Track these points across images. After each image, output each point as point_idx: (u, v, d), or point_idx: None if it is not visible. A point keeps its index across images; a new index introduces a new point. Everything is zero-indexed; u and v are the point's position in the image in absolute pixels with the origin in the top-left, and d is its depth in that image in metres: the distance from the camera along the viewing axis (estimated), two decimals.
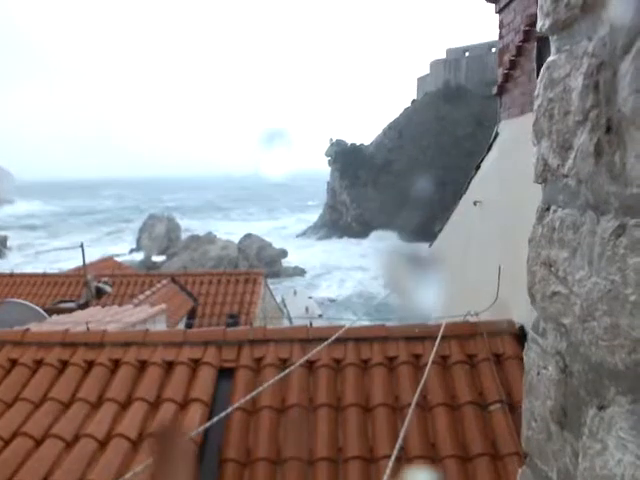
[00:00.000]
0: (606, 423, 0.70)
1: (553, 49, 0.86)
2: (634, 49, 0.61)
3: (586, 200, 0.74)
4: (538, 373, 0.91)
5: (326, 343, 3.91)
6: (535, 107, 0.91)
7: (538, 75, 0.93)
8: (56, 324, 5.95)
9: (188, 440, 3.38)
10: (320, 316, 23.18)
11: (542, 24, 0.87)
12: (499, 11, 5.59)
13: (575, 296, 0.77)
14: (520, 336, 4.23)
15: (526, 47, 4.70)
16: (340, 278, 48.57)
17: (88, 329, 4.95)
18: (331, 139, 72.03)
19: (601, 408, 0.71)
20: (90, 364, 4.33)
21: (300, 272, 49.67)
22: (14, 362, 4.38)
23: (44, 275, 15.18)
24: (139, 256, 53.02)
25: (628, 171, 0.65)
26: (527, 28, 4.48)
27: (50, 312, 8.61)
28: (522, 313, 4.14)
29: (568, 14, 0.77)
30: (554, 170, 0.83)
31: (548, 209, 0.86)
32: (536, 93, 0.91)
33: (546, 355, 0.88)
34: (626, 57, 0.63)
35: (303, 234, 69.47)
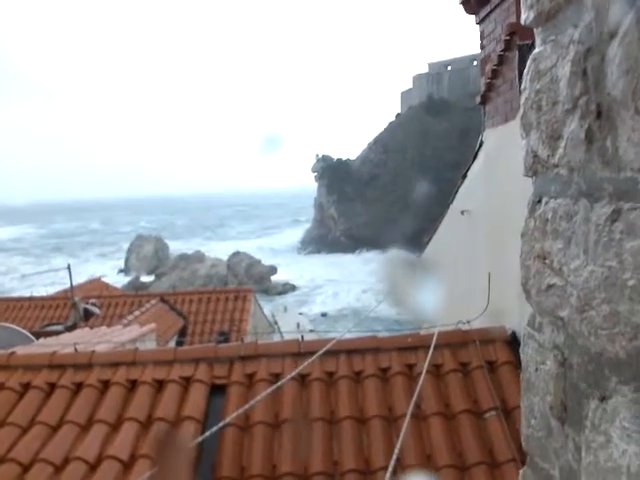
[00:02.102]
0: (609, 414, 0.68)
1: (538, 41, 0.86)
2: (621, 32, 0.61)
3: (579, 188, 0.73)
4: (536, 369, 0.89)
5: (316, 356, 3.86)
6: (522, 101, 0.91)
7: (520, 82, 0.93)
8: (43, 347, 5.83)
9: (188, 447, 3.30)
10: (312, 331, 23.05)
11: (526, 17, 0.87)
12: (480, 22, 5.68)
13: (571, 287, 0.75)
14: (512, 342, 4.23)
15: (507, 56, 4.77)
16: (330, 293, 48.47)
17: (76, 350, 4.86)
18: (317, 155, 72.53)
19: (603, 399, 0.70)
20: (79, 386, 4.23)
21: (290, 288, 49.49)
22: (0, 386, 4.27)
23: (30, 299, 14.94)
24: (128, 277, 52.52)
25: (621, 155, 0.64)
26: (508, 37, 4.56)
27: (37, 335, 8.46)
28: (513, 319, 4.14)
29: (552, 4, 0.77)
30: (544, 161, 0.83)
31: (540, 201, 0.85)
32: (522, 87, 0.91)
33: (544, 350, 0.86)
34: (613, 41, 0.63)
35: (292, 250, 69.38)
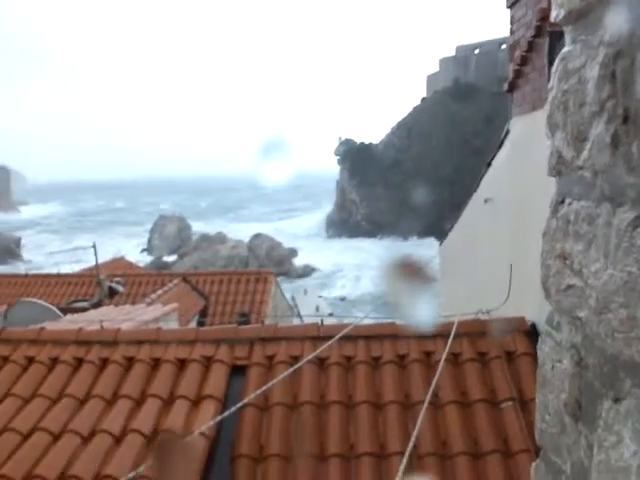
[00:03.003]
0: (622, 415, 0.69)
1: (568, 40, 0.86)
2: None
3: (602, 192, 0.73)
4: (552, 367, 0.90)
5: (333, 340, 3.91)
6: (549, 100, 0.90)
7: (550, 71, 0.92)
8: (71, 323, 6.02)
9: (193, 447, 3.41)
10: (331, 314, 23.19)
11: (556, 14, 0.86)
12: (510, 6, 5.54)
13: (590, 288, 0.76)
14: (532, 334, 4.20)
15: (538, 42, 4.66)
16: (350, 277, 48.54)
17: (102, 327, 5.01)
18: (340, 138, 72.02)
19: (617, 401, 0.71)
20: (105, 361, 4.38)
21: (310, 271, 49.72)
22: (31, 360, 4.44)
23: (58, 275, 15.38)
24: (150, 257, 53.44)
25: None
26: (539, 23, 4.44)
27: (64, 311, 8.71)
28: (534, 311, 4.11)
29: (583, 3, 0.77)
30: (569, 162, 0.83)
31: (563, 202, 0.86)
32: (550, 85, 0.90)
33: (561, 349, 0.87)
34: None
35: (313, 233, 69.49)
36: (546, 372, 0.94)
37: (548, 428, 0.94)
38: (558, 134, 0.86)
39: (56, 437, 3.70)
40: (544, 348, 0.94)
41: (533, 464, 1.04)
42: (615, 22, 0.62)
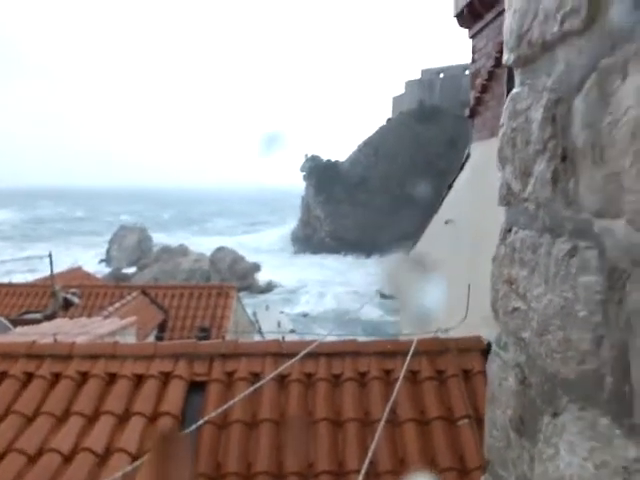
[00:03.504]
0: (559, 429, 0.75)
1: (517, 82, 0.93)
2: (585, 88, 0.68)
3: (543, 223, 0.80)
4: (499, 384, 0.96)
5: (297, 358, 3.92)
6: (500, 135, 0.98)
7: None
8: (22, 335, 5.79)
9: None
10: (292, 331, 23.08)
11: (507, 58, 0.94)
12: (472, 36, 5.80)
13: (533, 312, 0.83)
14: (488, 352, 4.32)
15: (497, 72, 4.89)
16: (313, 293, 48.50)
17: (56, 341, 4.84)
18: (306, 154, 72.51)
19: (554, 415, 0.77)
20: (57, 376, 4.23)
21: (273, 287, 49.42)
22: None
23: (9, 285, 14.74)
24: (109, 268, 51.98)
25: (580, 198, 0.71)
26: (498, 55, 4.67)
27: (15, 323, 8.37)
28: (490, 331, 4.24)
29: (529, 51, 0.85)
30: (516, 194, 0.90)
31: (510, 230, 0.93)
32: (501, 122, 0.98)
33: (507, 367, 0.93)
34: (578, 95, 0.70)
35: (276, 248, 69.28)
36: (494, 389, 0.99)
37: (495, 443, 1.00)
38: (507, 167, 0.93)
39: (0, 456, 3.54)
40: (493, 367, 1.00)
41: (482, 478, 1.09)
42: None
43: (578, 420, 0.70)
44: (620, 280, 0.62)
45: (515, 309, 0.89)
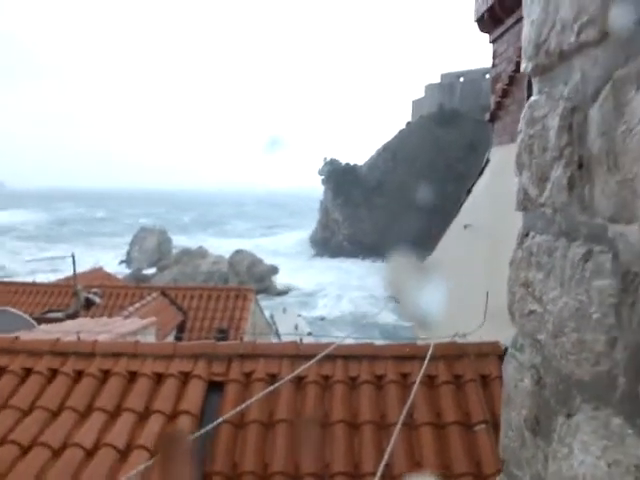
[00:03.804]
0: (572, 429, 0.77)
1: (535, 89, 0.95)
2: (600, 97, 0.70)
3: (560, 228, 0.82)
4: (515, 385, 0.98)
5: (315, 360, 3.95)
6: (518, 141, 1.00)
7: None
8: (46, 333, 5.94)
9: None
10: (309, 334, 23.12)
11: (525, 66, 0.96)
12: (493, 41, 5.78)
13: (548, 314, 0.85)
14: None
15: (518, 77, 4.87)
16: (330, 297, 48.50)
17: (79, 339, 4.96)
18: (325, 158, 72.68)
19: (569, 416, 0.79)
20: (80, 374, 4.33)
21: (290, 289, 49.58)
22: (3, 369, 4.37)
23: (33, 284, 15.10)
24: (129, 269, 52.74)
25: (595, 203, 0.73)
26: (519, 59, 4.66)
27: (38, 321, 8.57)
28: (508, 335, 4.22)
29: (547, 60, 0.87)
30: (533, 200, 0.92)
31: (527, 235, 0.95)
32: (519, 129, 1.00)
33: (523, 369, 0.95)
34: (594, 104, 0.72)
35: (294, 251, 69.49)
36: (510, 390, 1.01)
37: (510, 443, 1.01)
38: (525, 173, 0.96)
39: (25, 450, 3.64)
40: (508, 368, 1.02)
41: (497, 478, 1.11)
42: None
43: (591, 420, 0.72)
44: (633, 283, 0.64)
45: (531, 312, 0.91)
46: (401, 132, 73.40)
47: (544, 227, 0.88)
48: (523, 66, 0.99)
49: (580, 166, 0.77)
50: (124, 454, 3.62)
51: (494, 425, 3.85)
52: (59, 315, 11.35)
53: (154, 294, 12.56)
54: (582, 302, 0.74)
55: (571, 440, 0.76)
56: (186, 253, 50.94)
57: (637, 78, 0.62)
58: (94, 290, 13.10)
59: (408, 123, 75.42)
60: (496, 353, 4.40)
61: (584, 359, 0.73)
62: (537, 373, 0.89)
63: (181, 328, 12.21)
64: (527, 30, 0.95)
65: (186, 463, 2.93)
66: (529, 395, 0.91)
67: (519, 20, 4.75)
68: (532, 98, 0.96)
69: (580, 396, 0.75)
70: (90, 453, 3.61)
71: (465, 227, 5.89)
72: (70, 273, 13.29)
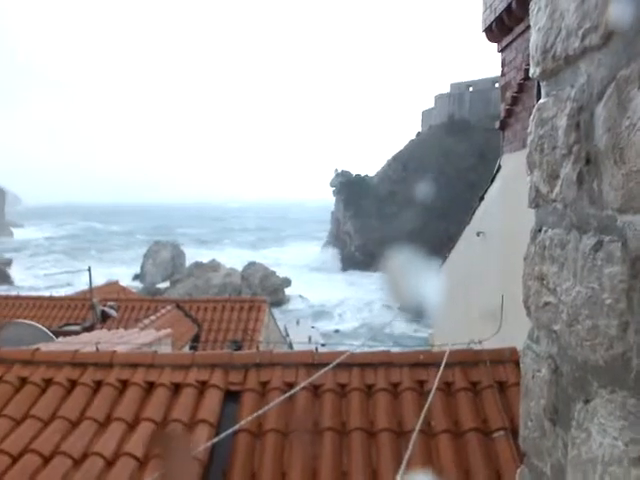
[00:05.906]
0: (590, 414, 0.80)
1: (543, 93, 1.00)
2: (605, 97, 0.75)
3: (570, 221, 0.86)
4: (533, 376, 1.01)
5: (329, 367, 3.97)
6: (528, 142, 1.04)
7: None
8: (65, 344, 6.03)
9: (193, 455, 3.43)
10: (323, 345, 23.05)
11: (533, 71, 1.01)
12: (501, 50, 5.84)
13: (563, 304, 0.88)
14: None
15: (527, 84, 4.91)
16: (344, 308, 48.37)
17: (97, 350, 5.03)
18: (336, 169, 72.99)
19: (586, 402, 0.82)
20: (99, 384, 4.40)
21: (303, 301, 49.54)
22: (24, 380, 4.45)
23: (50, 298, 15.30)
24: (142, 283, 53.13)
25: (604, 196, 0.77)
26: (528, 67, 4.70)
27: (56, 334, 8.69)
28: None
29: (554, 65, 0.92)
30: (544, 196, 0.96)
31: (540, 230, 0.99)
32: (529, 130, 1.04)
33: (540, 359, 0.98)
34: (600, 103, 0.77)
35: (307, 263, 69.55)
36: (528, 382, 1.05)
37: (530, 434, 1.04)
38: (536, 171, 1.00)
39: (47, 459, 3.69)
40: (526, 360, 1.06)
41: (518, 470, 1.13)
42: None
43: (608, 403, 0.75)
44: None
45: (546, 303, 0.94)
46: (411, 142, 73.56)
47: (556, 222, 0.92)
48: (531, 71, 1.03)
49: (588, 161, 0.81)
50: (143, 463, 3.66)
51: (512, 432, 3.82)
52: (76, 328, 11.50)
53: (169, 306, 12.66)
54: (594, 290, 0.78)
55: (589, 424, 0.80)
56: (199, 266, 51.25)
57: (639, 78, 0.66)
58: (110, 303, 13.25)
59: (418, 133, 75.57)
60: (513, 359, 4.38)
61: (598, 344, 0.77)
62: (554, 362, 0.92)
63: (196, 340, 12.27)
64: (534, 37, 1.00)
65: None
66: (547, 384, 0.94)
67: (527, 28, 4.80)
68: (541, 101, 1.00)
69: (596, 382, 0.79)
70: (110, 462, 3.65)
71: (478, 234, 5.90)
72: (86, 287, 13.47)
